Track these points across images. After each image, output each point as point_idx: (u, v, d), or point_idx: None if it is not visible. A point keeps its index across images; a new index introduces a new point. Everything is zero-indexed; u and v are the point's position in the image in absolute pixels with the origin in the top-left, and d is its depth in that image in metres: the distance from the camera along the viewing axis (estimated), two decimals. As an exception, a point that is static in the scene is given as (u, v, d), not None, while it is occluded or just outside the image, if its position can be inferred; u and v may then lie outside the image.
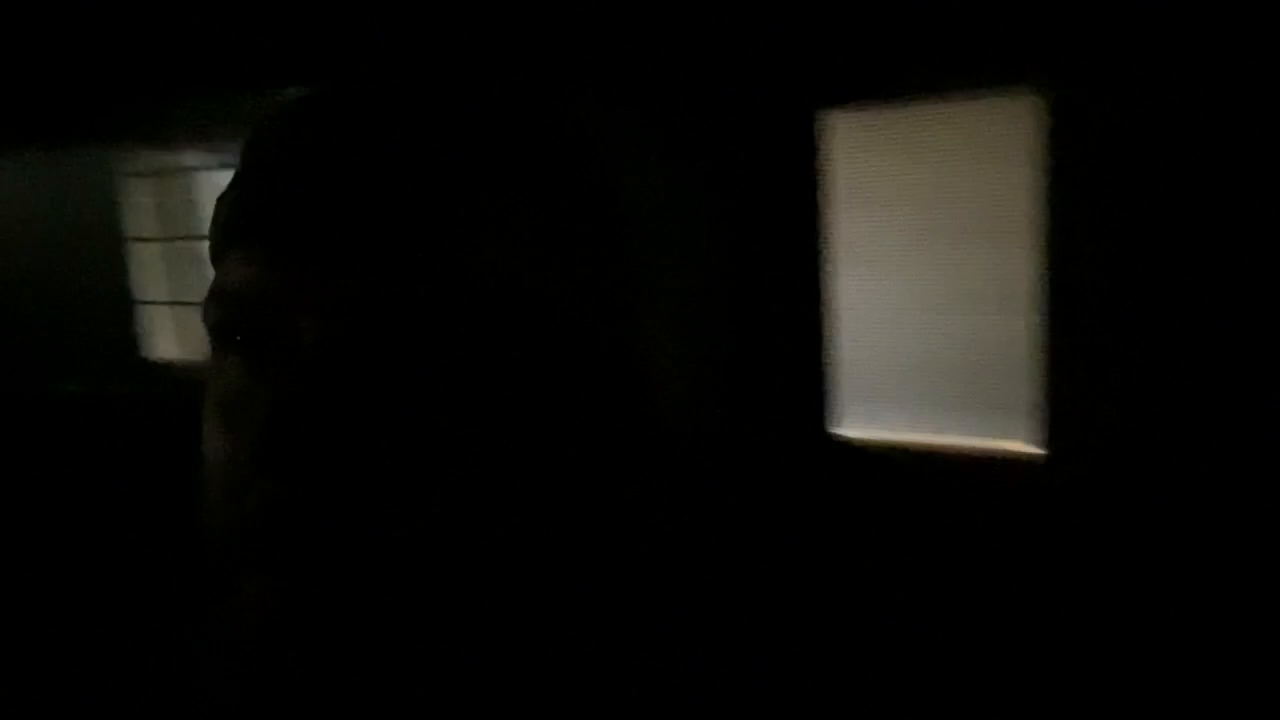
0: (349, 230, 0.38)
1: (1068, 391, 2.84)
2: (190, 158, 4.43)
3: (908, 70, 2.93)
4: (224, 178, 0.50)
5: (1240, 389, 2.65)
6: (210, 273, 0.44)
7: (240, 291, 0.40)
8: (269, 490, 0.38)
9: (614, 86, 3.29)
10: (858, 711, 0.47)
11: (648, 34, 3.28)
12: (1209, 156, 2.60)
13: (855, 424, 3.15)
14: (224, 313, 0.41)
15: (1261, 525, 2.67)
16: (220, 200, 0.44)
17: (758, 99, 3.10)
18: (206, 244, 0.46)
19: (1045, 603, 2.81)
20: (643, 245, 0.45)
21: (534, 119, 0.43)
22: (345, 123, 0.40)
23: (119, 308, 4.57)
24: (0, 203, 4.83)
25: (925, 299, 3.05)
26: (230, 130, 3.94)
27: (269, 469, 0.37)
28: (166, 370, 4.54)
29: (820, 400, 3.15)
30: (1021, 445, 2.96)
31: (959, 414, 3.04)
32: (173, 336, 4.63)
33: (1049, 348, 2.86)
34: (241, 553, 0.39)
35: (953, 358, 3.03)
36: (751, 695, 0.45)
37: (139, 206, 4.54)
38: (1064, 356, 2.84)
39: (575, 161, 0.44)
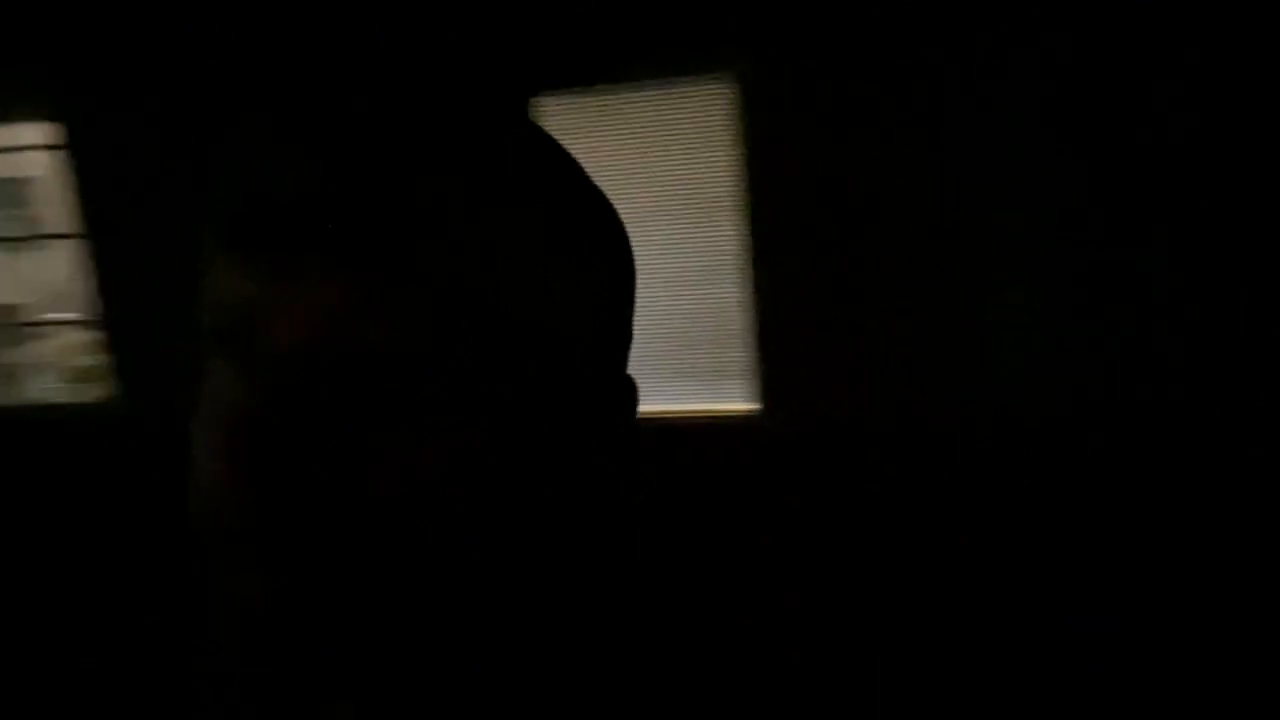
0: (329, 240, 0.39)
1: (777, 354, 3.12)
2: None
3: (615, 57, 3.08)
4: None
5: (919, 344, 3.01)
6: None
7: (225, 298, 0.41)
8: (247, 494, 0.39)
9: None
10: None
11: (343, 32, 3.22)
12: (890, 134, 2.93)
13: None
14: (212, 318, 0.42)
15: (956, 466, 3.06)
16: (214, 207, 0.44)
17: (469, 87, 3.14)
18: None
19: (768, 544, 3.08)
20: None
21: (507, 126, 0.44)
22: (334, 133, 0.42)
23: None
24: None
25: (641, 276, 3.22)
26: None
27: (245, 473, 0.38)
28: None
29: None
30: (739, 405, 3.22)
31: (682, 381, 3.26)
32: None
33: (757, 316, 3.12)
34: (229, 553, 0.40)
35: (671, 330, 3.23)
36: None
37: None
38: (771, 323, 3.11)
39: (550, 169, 0.44)
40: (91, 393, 4.31)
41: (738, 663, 2.38)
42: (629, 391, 0.47)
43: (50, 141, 3.76)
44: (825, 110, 2.96)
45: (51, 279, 14.69)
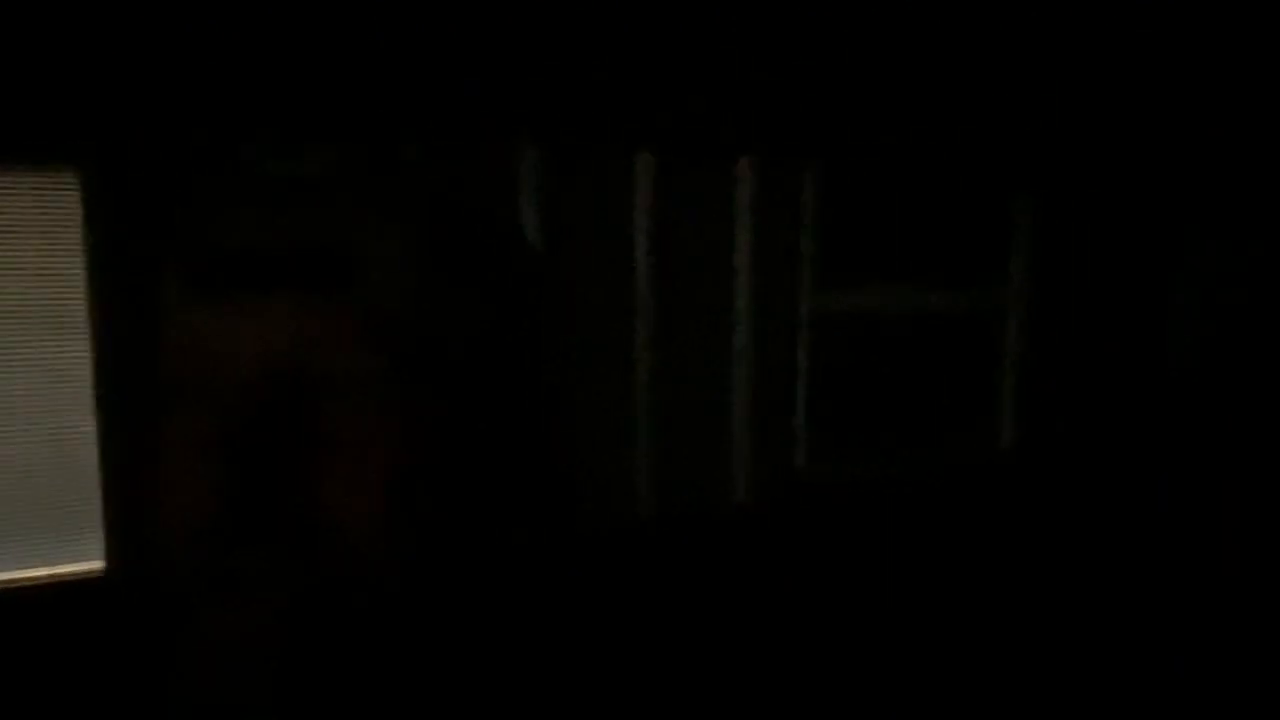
0: (286, 282, 0.33)
1: (128, 504, 2.54)
2: None
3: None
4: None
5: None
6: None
7: (192, 342, 0.32)
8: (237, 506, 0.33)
9: None
10: None
11: None
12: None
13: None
14: (176, 363, 0.29)
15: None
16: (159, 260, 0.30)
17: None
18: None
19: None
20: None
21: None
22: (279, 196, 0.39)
23: None
24: None
25: None
26: None
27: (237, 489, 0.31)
28: None
29: None
30: (91, 565, 2.58)
31: (14, 541, 2.58)
32: None
33: (109, 455, 2.53)
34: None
35: (8, 476, 2.56)
36: None
37: None
38: (124, 467, 2.53)
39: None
40: None
41: None
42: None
43: None
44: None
45: None
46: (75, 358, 2.56)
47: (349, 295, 0.41)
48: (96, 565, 2.57)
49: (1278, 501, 3.52)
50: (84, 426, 2.56)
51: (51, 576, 2.56)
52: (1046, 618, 2.99)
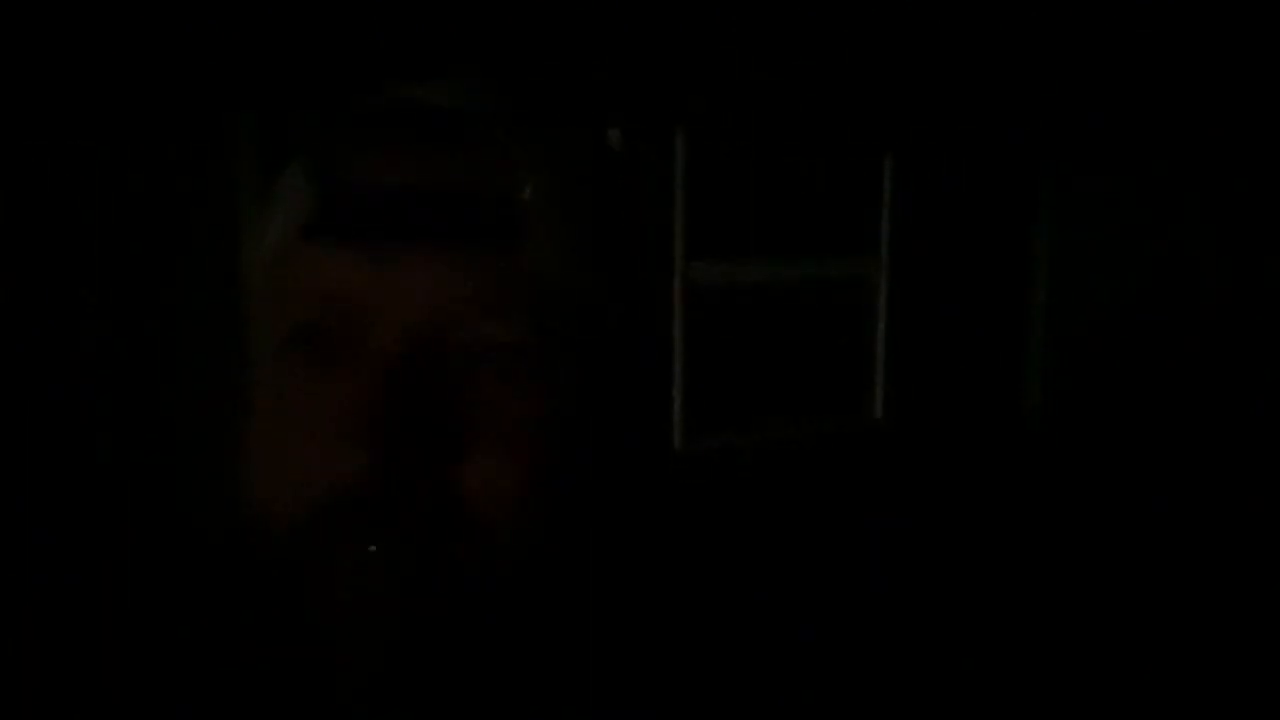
0: (431, 231, 0.41)
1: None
2: None
3: None
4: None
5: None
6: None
7: (315, 293, 0.41)
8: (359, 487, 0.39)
9: None
10: None
11: None
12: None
13: None
14: (296, 316, 0.42)
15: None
16: (284, 196, 0.44)
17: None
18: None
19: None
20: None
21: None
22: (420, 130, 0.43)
23: None
24: None
25: None
26: None
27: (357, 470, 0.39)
28: None
29: None
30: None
31: None
32: None
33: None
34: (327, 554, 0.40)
35: None
36: None
37: None
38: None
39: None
40: None
41: None
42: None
43: None
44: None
45: None
46: None
47: (505, 253, 0.34)
48: None
49: (1143, 459, 3.66)
50: None
51: None
52: (918, 581, 3.03)
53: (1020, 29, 3.50)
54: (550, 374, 0.44)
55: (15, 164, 2.31)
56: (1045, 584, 3.16)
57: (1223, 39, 3.33)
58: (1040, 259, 4.07)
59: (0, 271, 2.29)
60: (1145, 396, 3.76)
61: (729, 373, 3.50)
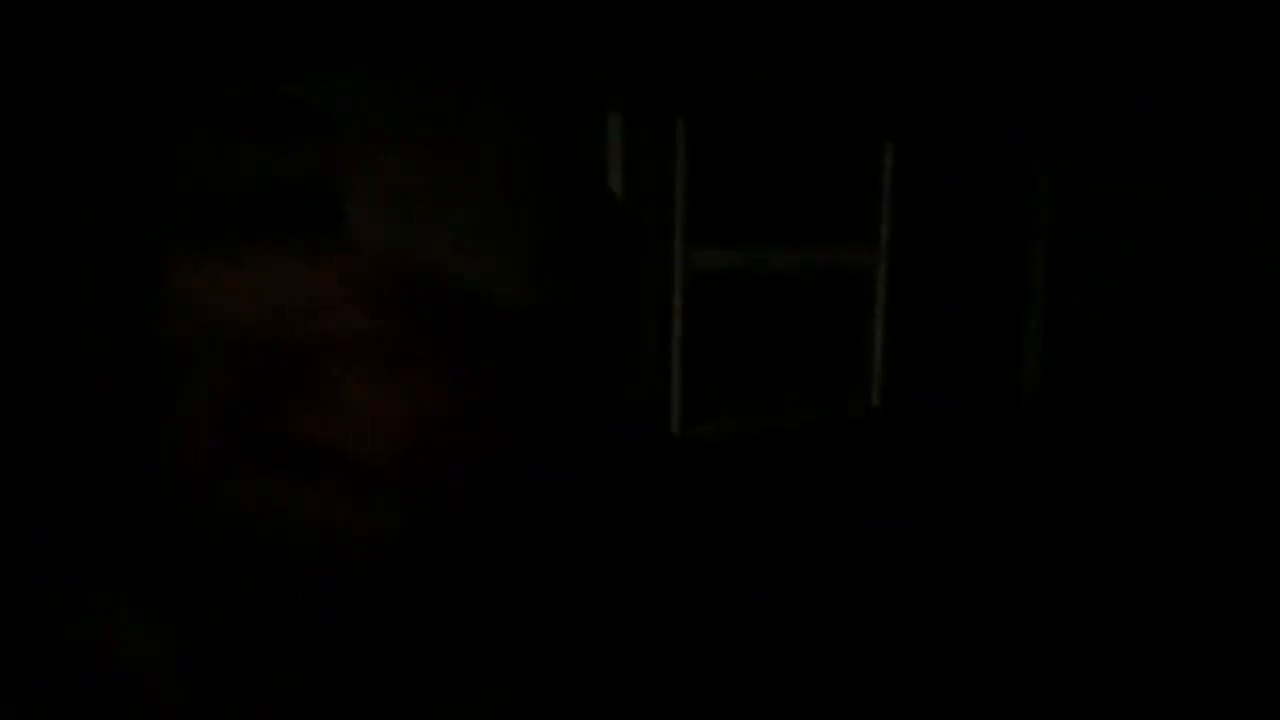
0: (296, 229, 0.40)
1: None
2: None
3: None
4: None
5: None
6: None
7: (183, 293, 0.41)
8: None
9: None
10: None
11: None
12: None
13: None
14: (173, 318, 0.42)
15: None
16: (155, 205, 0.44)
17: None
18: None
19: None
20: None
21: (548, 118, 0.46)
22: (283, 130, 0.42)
23: None
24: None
25: None
26: None
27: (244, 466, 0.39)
28: None
29: None
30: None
31: None
32: None
33: None
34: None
35: None
36: None
37: None
38: None
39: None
40: None
41: None
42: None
43: None
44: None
45: None
46: None
47: (349, 245, 0.34)
48: None
49: (1139, 451, 3.68)
50: None
51: None
52: (915, 569, 3.06)
53: (1020, 19, 3.51)
54: (541, 352, 0.44)
55: None
56: (1043, 570, 3.18)
57: (1223, 31, 3.33)
58: (1037, 247, 4.08)
59: None
60: (1142, 384, 3.78)
61: (728, 359, 3.52)
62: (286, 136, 0.42)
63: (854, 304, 3.79)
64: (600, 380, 0.49)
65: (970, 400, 4.00)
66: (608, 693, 0.51)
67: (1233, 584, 2.99)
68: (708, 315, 3.40)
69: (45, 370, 2.35)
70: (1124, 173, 3.79)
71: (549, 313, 0.45)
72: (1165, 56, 3.47)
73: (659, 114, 3.18)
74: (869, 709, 0.58)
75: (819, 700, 0.57)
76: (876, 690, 0.60)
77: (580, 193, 0.47)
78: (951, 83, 3.69)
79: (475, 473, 0.44)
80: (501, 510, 0.45)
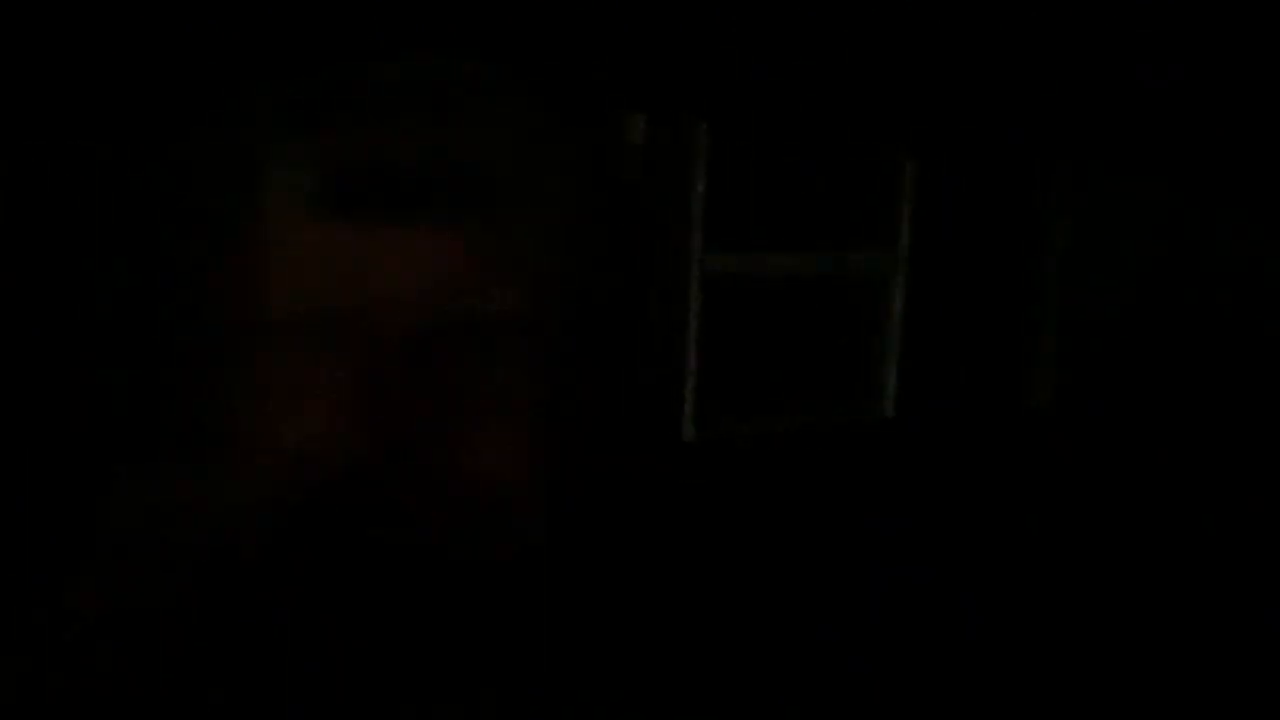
0: (440, 206, 0.40)
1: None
2: None
3: None
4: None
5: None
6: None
7: (333, 265, 0.41)
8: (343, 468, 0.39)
9: None
10: None
11: None
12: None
13: None
14: (311, 288, 0.41)
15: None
16: (283, 172, 0.43)
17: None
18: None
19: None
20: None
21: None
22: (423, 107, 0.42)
23: None
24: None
25: None
26: None
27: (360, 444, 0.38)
28: None
29: None
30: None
31: None
32: None
33: None
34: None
35: None
36: None
37: None
38: None
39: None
40: None
41: None
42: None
43: None
44: None
45: None
46: None
47: (502, 229, 0.34)
48: None
49: (1153, 461, 3.65)
50: None
51: None
52: (925, 576, 3.04)
53: (1040, 28, 3.49)
54: (551, 353, 0.44)
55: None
56: (1055, 580, 3.17)
57: (1241, 40, 3.31)
58: (1053, 258, 4.06)
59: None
60: (1157, 394, 3.75)
61: (742, 364, 3.51)
62: (447, 113, 0.43)
63: (870, 311, 3.77)
64: (613, 384, 0.49)
65: (985, 411, 3.98)
66: (613, 697, 0.50)
67: (1247, 596, 2.97)
68: (722, 319, 3.39)
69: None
70: (1144, 182, 3.76)
71: (575, 314, 0.46)
72: (1194, 65, 3.45)
73: (682, 116, 3.17)
74: (882, 715, 0.58)
75: (832, 706, 0.56)
76: (888, 696, 0.60)
77: (604, 196, 0.48)
78: (971, 91, 3.67)
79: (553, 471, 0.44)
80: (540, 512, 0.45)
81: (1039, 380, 4.12)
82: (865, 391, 3.80)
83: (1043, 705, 2.35)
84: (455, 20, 2.66)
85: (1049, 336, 4.09)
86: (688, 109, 3.19)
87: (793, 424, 3.58)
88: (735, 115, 3.30)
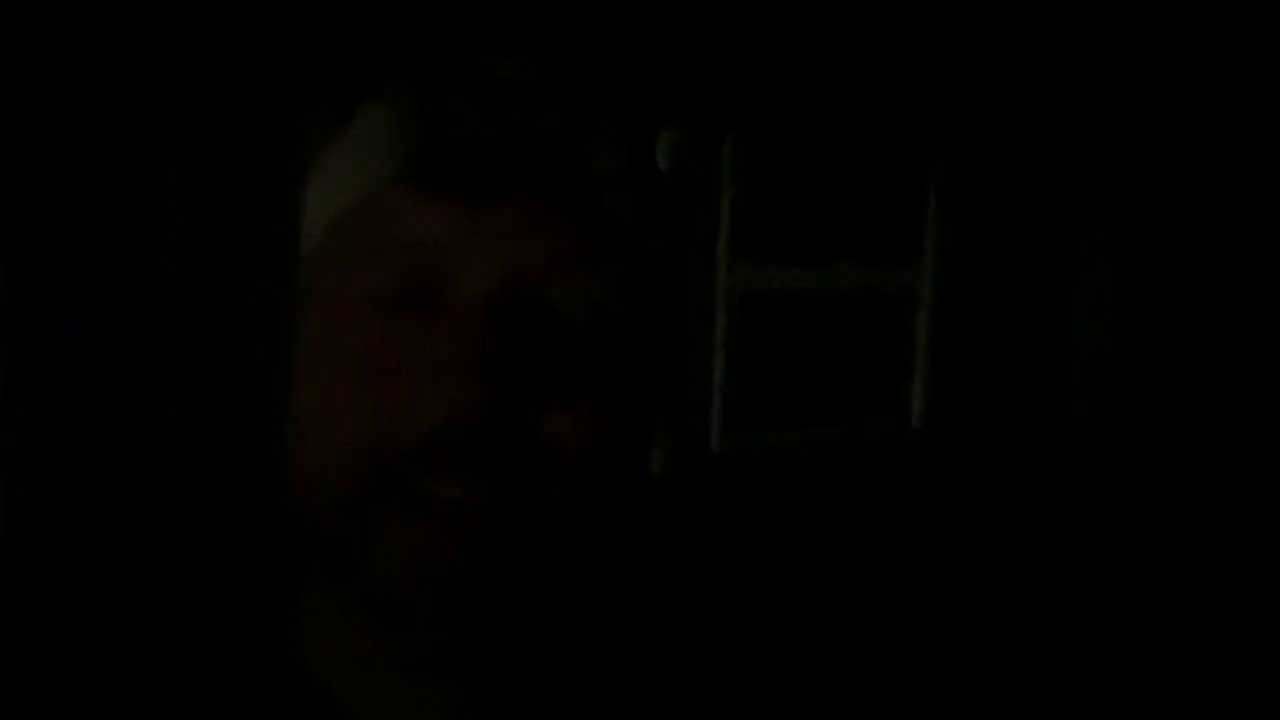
0: (536, 184, 0.41)
1: None
2: None
3: None
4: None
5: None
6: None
7: (426, 237, 0.41)
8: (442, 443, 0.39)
9: None
10: None
11: None
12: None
13: None
14: (399, 260, 0.41)
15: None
16: (370, 146, 0.44)
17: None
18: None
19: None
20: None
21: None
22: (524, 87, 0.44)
23: None
24: None
25: None
26: None
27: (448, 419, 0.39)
28: None
29: None
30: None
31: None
32: None
33: None
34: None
35: None
36: None
37: None
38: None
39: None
40: None
41: None
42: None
43: None
44: None
45: None
46: None
47: (593, 212, 0.36)
48: None
49: (1179, 479, 3.61)
50: None
51: None
52: (950, 590, 3.02)
53: (1074, 43, 3.48)
54: (632, 335, 0.45)
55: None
56: (1086, 597, 3.14)
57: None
58: (1086, 271, 4.03)
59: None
60: (1191, 410, 3.71)
61: (769, 377, 3.52)
62: (548, 101, 0.44)
63: (898, 324, 3.77)
64: (655, 387, 0.49)
65: (1013, 426, 3.95)
66: (640, 700, 0.51)
67: (1273, 615, 2.93)
68: (749, 331, 3.40)
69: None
70: (1178, 197, 3.73)
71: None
72: (1227, 80, 3.42)
73: (708, 129, 3.19)
74: None
75: (851, 715, 0.56)
76: (909, 708, 0.59)
77: (659, 202, 0.49)
78: (1001, 104, 3.66)
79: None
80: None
81: (1073, 396, 4.09)
82: (892, 406, 3.78)
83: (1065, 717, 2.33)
84: (513, 28, 2.69)
85: (1083, 351, 4.06)
86: (716, 122, 3.21)
87: (819, 436, 3.58)
88: (763, 128, 3.32)
